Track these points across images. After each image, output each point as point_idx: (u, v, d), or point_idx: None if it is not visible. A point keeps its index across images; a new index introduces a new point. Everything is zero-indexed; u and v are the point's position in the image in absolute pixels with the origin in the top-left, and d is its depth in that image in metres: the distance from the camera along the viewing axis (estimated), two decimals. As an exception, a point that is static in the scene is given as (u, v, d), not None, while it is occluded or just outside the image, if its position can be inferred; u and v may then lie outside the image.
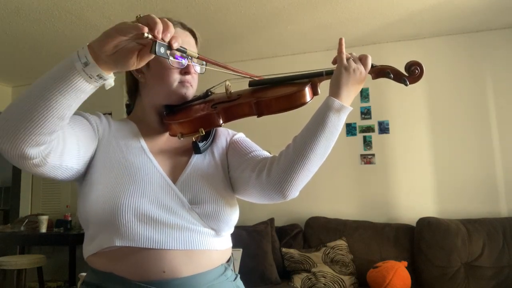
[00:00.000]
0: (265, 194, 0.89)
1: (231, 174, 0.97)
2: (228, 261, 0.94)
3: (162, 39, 0.68)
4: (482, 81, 3.20)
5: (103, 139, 0.90)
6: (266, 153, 0.99)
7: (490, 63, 3.20)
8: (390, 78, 0.92)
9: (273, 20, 2.96)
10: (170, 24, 0.69)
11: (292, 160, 0.85)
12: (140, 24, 0.65)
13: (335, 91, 0.87)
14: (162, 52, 0.68)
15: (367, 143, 3.38)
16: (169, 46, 0.69)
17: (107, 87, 0.73)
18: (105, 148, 0.89)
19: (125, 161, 0.88)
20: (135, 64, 0.70)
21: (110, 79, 0.71)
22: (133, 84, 1.00)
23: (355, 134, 3.41)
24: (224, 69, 0.89)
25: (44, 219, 3.71)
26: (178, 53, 0.91)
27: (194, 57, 0.82)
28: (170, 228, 0.82)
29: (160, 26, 0.67)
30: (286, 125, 3.29)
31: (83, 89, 0.69)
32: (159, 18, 0.68)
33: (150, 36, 0.66)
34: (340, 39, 0.92)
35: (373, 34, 3.25)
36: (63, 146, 0.77)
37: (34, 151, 0.71)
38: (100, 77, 0.69)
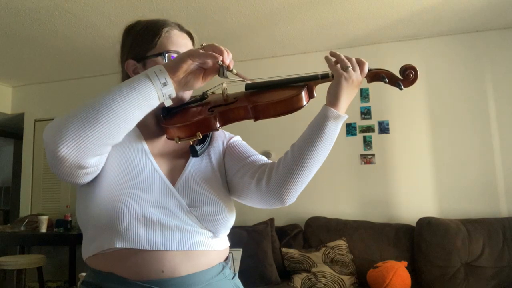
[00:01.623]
0: (264, 200, 0.92)
1: (230, 179, 0.98)
2: (226, 260, 0.95)
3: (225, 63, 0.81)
4: (482, 81, 3.20)
5: None
6: (263, 158, 1.00)
7: (490, 63, 3.20)
8: (384, 82, 0.92)
9: (273, 20, 2.97)
10: (228, 50, 0.81)
11: (290, 168, 0.87)
12: (214, 53, 0.78)
13: (333, 101, 0.87)
14: (225, 73, 0.82)
15: (367, 143, 3.38)
16: (227, 68, 0.82)
17: (167, 105, 0.82)
18: (110, 151, 0.89)
19: (127, 162, 0.89)
20: (200, 83, 0.83)
21: (169, 100, 0.81)
22: None
23: (355, 134, 3.41)
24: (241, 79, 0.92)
25: (44, 219, 3.71)
26: (175, 55, 0.93)
27: (247, 80, 0.92)
28: (169, 230, 0.83)
29: (226, 54, 0.80)
30: (283, 126, 3.30)
31: (153, 105, 0.78)
32: (218, 45, 0.80)
33: (220, 63, 0.80)
34: (333, 53, 0.92)
35: (373, 34, 3.25)
36: (104, 157, 0.82)
37: (94, 161, 0.76)
38: (170, 96, 0.79)
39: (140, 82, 0.76)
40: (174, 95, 0.79)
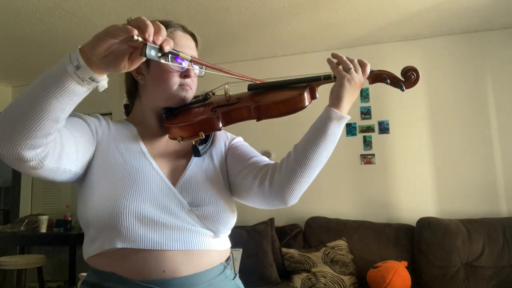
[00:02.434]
0: (266, 201, 0.92)
1: (232, 180, 0.98)
2: (227, 260, 0.95)
3: (154, 42, 0.68)
4: (482, 81, 3.20)
5: (102, 142, 0.91)
6: (265, 159, 1.01)
7: (490, 63, 3.20)
8: (386, 83, 0.93)
9: (273, 20, 2.97)
10: (162, 27, 0.68)
11: (293, 169, 0.88)
12: (130, 27, 0.65)
13: (336, 102, 0.88)
14: (153, 55, 0.68)
15: (367, 143, 3.38)
16: (161, 49, 0.69)
17: (101, 89, 0.73)
18: (105, 151, 0.89)
19: (125, 164, 0.89)
20: (126, 67, 0.70)
21: (103, 81, 0.71)
22: (133, 86, 1.00)
23: (355, 134, 3.41)
24: (220, 72, 0.88)
25: (44, 219, 3.71)
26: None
27: (187, 60, 0.80)
28: (170, 229, 0.83)
29: (151, 29, 0.66)
30: (284, 127, 3.30)
31: (76, 92, 0.69)
32: (151, 21, 0.67)
33: (140, 39, 0.65)
34: (335, 55, 0.92)
35: (373, 34, 3.25)
36: (60, 149, 0.78)
37: (30, 154, 0.71)
38: (93, 79, 0.69)
39: (55, 69, 0.68)
40: (99, 78, 0.70)
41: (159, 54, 0.70)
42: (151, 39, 0.67)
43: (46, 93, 0.68)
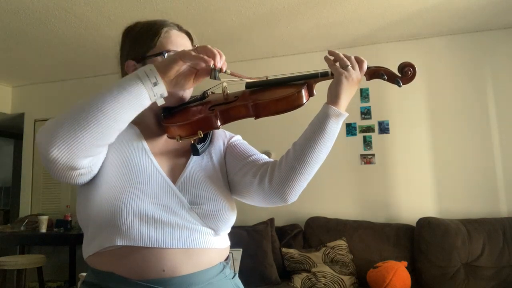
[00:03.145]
0: (266, 199, 0.92)
1: (231, 178, 0.98)
2: (226, 259, 0.95)
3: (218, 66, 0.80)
4: (482, 81, 3.20)
5: None
6: (264, 157, 1.01)
7: (490, 63, 3.20)
8: (383, 79, 0.93)
9: (273, 20, 2.97)
10: (222, 52, 0.81)
11: (292, 166, 0.88)
12: (206, 57, 0.77)
13: (334, 99, 0.89)
14: (218, 76, 0.81)
15: (367, 143, 3.38)
16: (220, 70, 0.81)
17: (160, 104, 0.80)
18: (110, 149, 0.90)
19: (127, 161, 0.89)
20: (191, 84, 0.84)
21: (161, 99, 0.80)
22: None
23: (355, 134, 3.41)
24: (238, 78, 0.92)
25: (44, 219, 3.71)
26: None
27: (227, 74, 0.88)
28: (170, 227, 0.83)
29: (218, 57, 0.79)
30: (282, 126, 3.30)
31: (145, 105, 0.77)
32: (211, 47, 0.79)
33: (212, 66, 0.78)
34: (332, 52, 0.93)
35: (373, 34, 3.25)
36: (98, 157, 0.81)
37: (85, 162, 0.76)
38: (161, 96, 0.78)
39: (131, 82, 0.75)
40: (165, 95, 0.79)
41: (218, 75, 0.82)
42: (219, 65, 0.79)
43: (121, 104, 0.73)
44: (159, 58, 0.91)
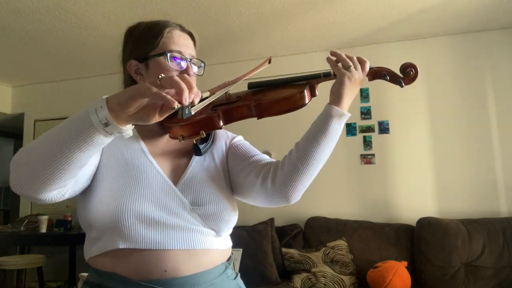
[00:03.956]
0: (269, 199, 0.92)
1: (233, 178, 0.98)
2: (228, 260, 0.95)
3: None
4: (482, 81, 3.20)
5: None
6: (267, 157, 1.01)
7: (490, 63, 3.20)
8: (386, 79, 0.94)
9: (273, 20, 2.97)
10: (193, 84, 0.67)
11: (295, 166, 0.88)
12: (169, 97, 0.64)
13: (337, 100, 0.89)
14: (187, 113, 0.70)
15: (367, 143, 3.38)
16: (192, 104, 0.69)
17: (126, 137, 0.73)
18: (107, 152, 0.90)
19: (126, 164, 0.89)
20: (157, 119, 0.70)
21: (128, 130, 0.71)
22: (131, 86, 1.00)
23: (355, 134, 3.41)
24: (238, 80, 0.90)
25: (44, 219, 3.71)
26: (177, 55, 0.92)
27: (211, 100, 0.80)
28: (171, 229, 0.83)
29: (186, 93, 0.65)
30: (283, 126, 3.30)
31: (103, 143, 0.70)
32: (179, 76, 0.66)
33: (177, 106, 0.64)
34: (334, 53, 0.93)
35: (373, 34, 3.25)
36: (75, 179, 0.79)
37: (52, 194, 0.75)
38: (120, 132, 0.69)
39: (81, 125, 0.68)
40: (125, 131, 0.70)
41: (190, 107, 0.70)
42: (187, 102, 0.66)
43: (72, 148, 0.68)
44: (161, 58, 0.91)
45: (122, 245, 0.80)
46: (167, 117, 0.94)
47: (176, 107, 0.64)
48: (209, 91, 0.81)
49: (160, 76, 0.66)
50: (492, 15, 2.95)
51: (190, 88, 0.66)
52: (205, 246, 0.86)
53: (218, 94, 0.82)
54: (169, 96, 0.64)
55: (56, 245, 4.03)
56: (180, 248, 0.82)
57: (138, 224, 0.81)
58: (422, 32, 3.24)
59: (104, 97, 0.68)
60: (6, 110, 4.51)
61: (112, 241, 0.81)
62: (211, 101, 0.80)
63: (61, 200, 0.79)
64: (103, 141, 0.69)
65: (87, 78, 4.21)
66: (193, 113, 0.70)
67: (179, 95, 0.64)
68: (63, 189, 0.76)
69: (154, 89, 0.64)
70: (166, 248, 0.81)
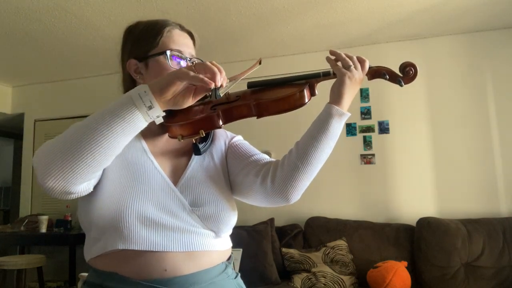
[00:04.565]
0: (269, 198, 0.92)
1: (233, 178, 0.98)
2: (228, 259, 0.95)
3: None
4: (482, 81, 3.21)
5: None
6: (266, 157, 1.01)
7: (490, 63, 3.20)
8: (385, 79, 0.94)
9: (273, 20, 2.97)
10: (221, 68, 0.75)
11: (295, 165, 0.88)
12: (206, 79, 0.72)
13: (337, 99, 0.89)
14: (218, 94, 0.76)
15: (367, 143, 3.38)
16: (220, 87, 0.76)
17: (158, 122, 0.79)
18: None
19: (127, 163, 0.89)
20: (191, 102, 0.77)
21: (161, 115, 0.76)
22: (131, 85, 0.99)
23: (355, 134, 3.41)
24: (239, 77, 0.91)
25: (44, 219, 3.71)
26: (177, 54, 0.92)
27: (232, 85, 0.87)
28: (171, 230, 0.83)
29: (218, 76, 0.74)
30: (283, 126, 3.30)
31: (141, 127, 0.75)
32: (210, 63, 0.75)
33: (212, 86, 0.73)
34: (333, 52, 0.93)
35: (373, 34, 3.25)
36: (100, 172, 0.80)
37: (82, 187, 0.76)
38: (158, 116, 0.75)
39: (124, 108, 0.71)
40: (162, 115, 0.76)
41: (219, 93, 0.77)
42: (219, 84, 0.74)
43: (115, 130, 0.71)
44: (161, 57, 0.91)
45: (121, 246, 0.80)
46: (166, 116, 0.94)
47: (211, 88, 0.73)
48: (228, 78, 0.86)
49: (194, 62, 0.74)
50: (492, 15, 2.95)
51: (221, 72, 0.75)
52: (205, 248, 0.86)
53: (232, 84, 0.88)
54: (206, 78, 0.72)
55: (56, 245, 4.03)
56: (180, 250, 0.82)
57: (139, 225, 0.81)
58: (422, 32, 3.25)
59: (144, 84, 0.74)
60: (6, 110, 4.51)
61: (112, 241, 0.81)
62: (228, 89, 0.86)
63: (85, 194, 0.79)
64: (142, 124, 0.74)
65: (87, 78, 4.21)
66: (221, 96, 0.77)
67: (213, 78, 0.73)
68: (90, 181, 0.77)
69: (192, 73, 0.72)
70: (166, 250, 0.81)
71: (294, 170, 0.88)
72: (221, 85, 0.76)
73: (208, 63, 0.74)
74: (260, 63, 1.00)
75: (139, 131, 0.75)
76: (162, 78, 0.74)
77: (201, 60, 0.98)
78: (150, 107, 0.72)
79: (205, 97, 0.82)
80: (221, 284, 0.87)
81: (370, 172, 3.34)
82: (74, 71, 4.05)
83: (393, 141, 3.32)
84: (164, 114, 0.76)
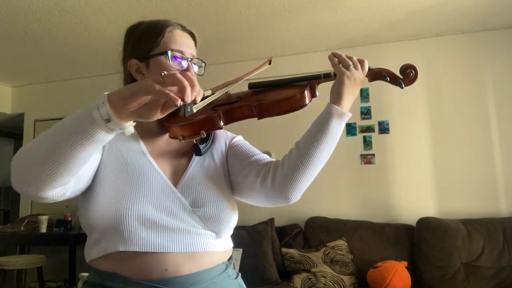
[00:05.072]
0: (269, 198, 0.92)
1: (233, 178, 0.98)
2: (229, 259, 0.95)
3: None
4: (482, 81, 3.20)
5: (106, 145, 0.90)
6: (267, 157, 1.01)
7: (490, 63, 3.20)
8: (386, 80, 0.94)
9: (273, 20, 2.97)
10: (195, 82, 0.67)
11: (295, 165, 0.88)
12: (172, 94, 0.63)
13: (337, 99, 0.89)
14: (189, 110, 0.70)
15: (367, 143, 3.38)
16: (194, 102, 0.69)
17: (127, 134, 0.73)
18: (107, 153, 0.89)
19: (126, 165, 0.89)
20: (158, 116, 0.70)
21: (130, 127, 0.71)
22: None
23: (355, 134, 3.41)
24: (238, 79, 0.90)
25: (44, 219, 3.71)
26: (178, 54, 0.92)
27: (212, 99, 0.81)
28: (172, 231, 0.83)
29: (189, 90, 0.65)
30: (283, 127, 3.30)
31: (104, 139, 0.70)
32: (182, 74, 0.66)
33: (180, 103, 0.65)
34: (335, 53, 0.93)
35: (373, 34, 3.25)
36: (77, 178, 0.79)
37: (55, 192, 0.75)
38: (121, 128, 0.70)
39: (84, 122, 0.68)
40: (126, 127, 0.70)
41: (191, 108, 0.71)
42: (189, 100, 0.66)
43: (75, 145, 0.68)
44: (162, 57, 0.91)
45: (122, 248, 0.80)
46: (167, 116, 0.94)
47: (178, 105, 0.64)
48: (210, 89, 0.82)
49: (162, 73, 0.65)
50: (492, 15, 2.95)
51: (192, 86, 0.66)
52: (206, 249, 0.86)
53: (220, 93, 0.83)
54: (172, 94, 0.64)
55: (56, 245, 4.03)
56: (181, 251, 0.83)
57: (139, 227, 0.81)
58: (422, 32, 3.25)
59: (106, 93, 0.68)
60: (6, 110, 4.51)
61: (112, 243, 0.81)
62: (212, 99, 0.80)
63: (62, 199, 0.79)
64: (104, 137, 0.69)
65: (87, 78, 4.21)
66: (194, 111, 0.71)
67: (181, 92, 0.64)
68: (64, 187, 0.76)
69: (157, 86, 0.64)
70: (167, 251, 0.81)
71: (294, 170, 0.87)
72: (195, 100, 0.67)
73: (178, 75, 0.65)
74: (270, 63, 0.98)
75: (103, 143, 0.71)
76: (127, 87, 0.67)
77: (202, 60, 0.98)
78: (107, 120, 0.66)
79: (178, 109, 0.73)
80: (222, 284, 0.87)
81: (370, 172, 3.34)
82: (74, 71, 4.05)
83: (393, 141, 3.32)
84: (132, 125, 0.71)
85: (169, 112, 0.71)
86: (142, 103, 0.67)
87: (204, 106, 0.94)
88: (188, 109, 0.69)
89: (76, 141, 0.68)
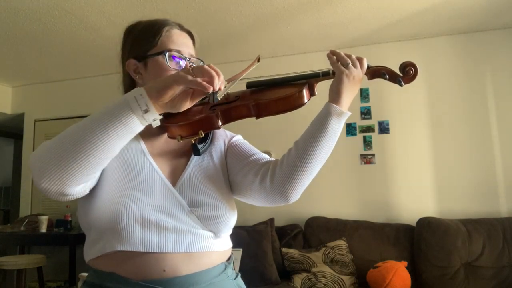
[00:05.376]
0: (268, 198, 0.91)
1: (232, 178, 0.98)
2: (228, 259, 0.94)
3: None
4: (482, 81, 3.20)
5: None
6: (266, 156, 1.00)
7: (490, 63, 3.20)
8: (385, 78, 0.93)
9: (273, 20, 2.97)
10: (219, 71, 0.75)
11: (294, 164, 0.87)
12: (204, 81, 0.72)
13: (335, 98, 0.88)
14: (216, 98, 0.76)
15: (367, 143, 3.38)
16: (218, 90, 0.76)
17: (155, 126, 0.78)
18: None
19: (126, 165, 0.88)
20: (188, 105, 0.78)
21: (157, 120, 0.76)
22: (130, 85, 0.99)
23: (355, 134, 3.41)
24: (237, 76, 0.91)
25: (44, 219, 3.71)
26: (176, 54, 0.92)
27: (229, 88, 0.87)
28: (170, 231, 0.83)
29: (216, 80, 0.73)
30: (283, 126, 3.30)
31: (137, 130, 0.75)
32: (208, 66, 0.74)
33: (210, 91, 0.73)
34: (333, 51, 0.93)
35: (373, 34, 3.25)
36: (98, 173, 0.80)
37: (78, 189, 0.76)
38: (154, 119, 0.75)
39: (120, 111, 0.71)
40: (159, 118, 0.76)
41: (217, 96, 0.76)
42: (217, 88, 0.74)
43: (109, 132, 0.71)
44: (160, 57, 0.91)
45: (120, 248, 0.80)
46: (165, 117, 0.94)
47: (210, 92, 0.72)
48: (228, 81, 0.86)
49: (191, 66, 0.73)
50: (492, 15, 2.95)
51: (219, 75, 0.74)
52: (204, 249, 0.85)
53: (233, 83, 0.88)
54: (204, 82, 0.72)
55: (56, 245, 4.03)
56: (179, 251, 0.82)
57: (137, 227, 0.81)
58: (422, 32, 3.24)
59: (142, 87, 0.73)
60: (6, 110, 4.51)
61: (110, 243, 0.80)
62: (228, 90, 0.87)
63: (82, 196, 0.79)
64: (137, 128, 0.74)
65: (87, 78, 4.21)
66: (219, 99, 0.77)
67: (211, 82, 0.73)
68: (85, 184, 0.77)
69: (190, 77, 0.72)
70: (165, 251, 0.81)
71: (293, 170, 0.87)
72: (219, 88, 0.75)
73: (206, 67, 0.74)
74: (258, 61, 0.99)
75: (135, 134, 0.74)
76: (160, 80, 0.74)
77: (200, 59, 0.98)
78: (146, 111, 0.72)
79: (204, 98, 0.82)
80: (221, 285, 0.86)
81: (370, 172, 3.34)
82: (74, 71, 4.05)
83: (393, 141, 3.32)
84: (161, 117, 0.76)
85: (197, 100, 0.79)
86: (174, 94, 0.74)
87: (203, 106, 0.94)
88: (215, 96, 0.75)
89: (112, 131, 0.71)
